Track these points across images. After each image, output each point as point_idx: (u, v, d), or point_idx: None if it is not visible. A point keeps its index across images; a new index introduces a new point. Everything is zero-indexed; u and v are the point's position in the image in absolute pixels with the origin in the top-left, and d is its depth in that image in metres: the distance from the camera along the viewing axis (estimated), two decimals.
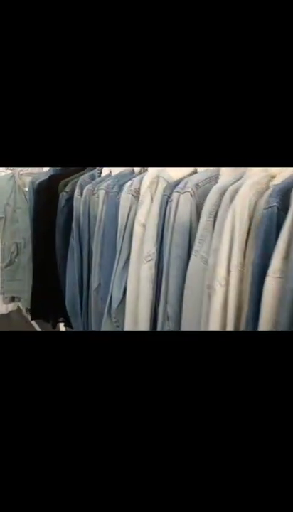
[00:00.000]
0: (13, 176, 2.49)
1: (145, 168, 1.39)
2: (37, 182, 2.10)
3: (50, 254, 1.81)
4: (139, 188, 1.17)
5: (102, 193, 1.41)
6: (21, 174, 2.52)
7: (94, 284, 1.47)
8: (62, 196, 1.67)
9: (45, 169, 2.51)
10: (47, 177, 2.11)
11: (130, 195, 1.17)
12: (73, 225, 1.61)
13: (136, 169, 1.41)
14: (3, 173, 2.60)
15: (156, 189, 1.12)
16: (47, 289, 1.88)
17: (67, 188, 1.68)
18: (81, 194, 1.58)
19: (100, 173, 1.63)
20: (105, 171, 1.61)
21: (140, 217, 1.13)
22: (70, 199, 1.68)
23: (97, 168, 1.64)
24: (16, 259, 2.56)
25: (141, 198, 1.14)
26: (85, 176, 1.62)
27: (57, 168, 2.17)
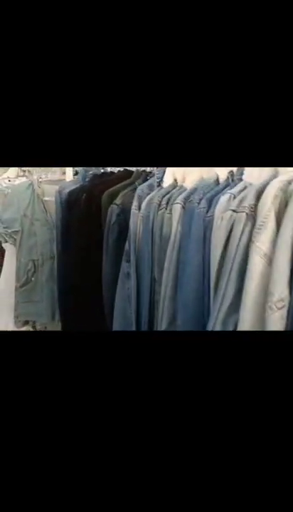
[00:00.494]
0: (31, 184, 2.13)
1: (233, 175, 1.07)
2: (66, 191, 1.76)
3: (91, 279, 1.47)
4: (255, 205, 0.84)
5: (177, 207, 1.08)
6: (40, 182, 2.16)
7: (162, 323, 1.13)
8: (112, 210, 1.33)
9: (69, 176, 2.16)
10: (78, 186, 1.77)
11: (244, 214, 0.84)
12: (128, 245, 1.26)
13: (222, 177, 1.09)
14: (18, 181, 2.24)
15: (284, 207, 0.80)
16: (84, 322, 1.52)
17: (118, 201, 1.34)
18: (139, 208, 1.25)
19: (160, 182, 1.30)
20: (167, 179, 1.27)
21: (261, 246, 0.80)
22: (121, 213, 1.34)
23: (156, 175, 1.31)
24: (33, 278, 2.19)
25: (261, 219, 0.81)
26: (144, 187, 1.28)
27: (88, 172, 1.84)
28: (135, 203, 1.23)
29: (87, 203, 1.47)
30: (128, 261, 1.28)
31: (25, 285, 2.19)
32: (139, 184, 1.40)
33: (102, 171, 1.82)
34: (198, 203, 1.00)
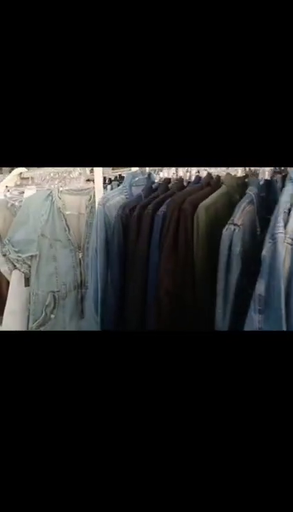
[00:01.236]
0: (50, 195, 1.62)
1: None
2: (110, 204, 1.29)
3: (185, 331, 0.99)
4: None
5: None
6: (60, 192, 1.65)
7: None
8: (233, 234, 0.86)
9: (98, 183, 1.67)
10: (125, 196, 1.31)
11: None
12: (262, 288, 0.81)
13: None
14: (31, 191, 1.72)
15: None
16: None
17: (238, 220, 0.87)
18: (284, 229, 0.80)
19: None
20: None
21: None
22: (242, 238, 0.88)
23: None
24: (53, 315, 1.68)
25: None
26: (285, 198, 0.83)
27: (135, 179, 1.39)
28: (280, 223, 0.78)
29: (173, 220, 1.00)
30: (262, 312, 0.82)
31: (42, 325, 1.66)
32: (254, 193, 0.95)
33: (157, 176, 1.36)
34: None
